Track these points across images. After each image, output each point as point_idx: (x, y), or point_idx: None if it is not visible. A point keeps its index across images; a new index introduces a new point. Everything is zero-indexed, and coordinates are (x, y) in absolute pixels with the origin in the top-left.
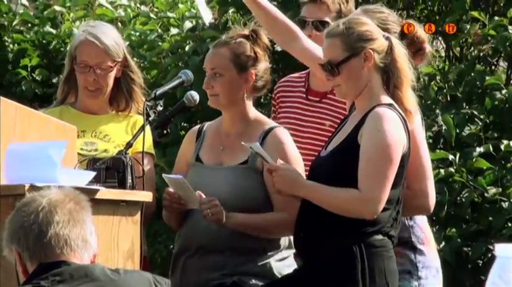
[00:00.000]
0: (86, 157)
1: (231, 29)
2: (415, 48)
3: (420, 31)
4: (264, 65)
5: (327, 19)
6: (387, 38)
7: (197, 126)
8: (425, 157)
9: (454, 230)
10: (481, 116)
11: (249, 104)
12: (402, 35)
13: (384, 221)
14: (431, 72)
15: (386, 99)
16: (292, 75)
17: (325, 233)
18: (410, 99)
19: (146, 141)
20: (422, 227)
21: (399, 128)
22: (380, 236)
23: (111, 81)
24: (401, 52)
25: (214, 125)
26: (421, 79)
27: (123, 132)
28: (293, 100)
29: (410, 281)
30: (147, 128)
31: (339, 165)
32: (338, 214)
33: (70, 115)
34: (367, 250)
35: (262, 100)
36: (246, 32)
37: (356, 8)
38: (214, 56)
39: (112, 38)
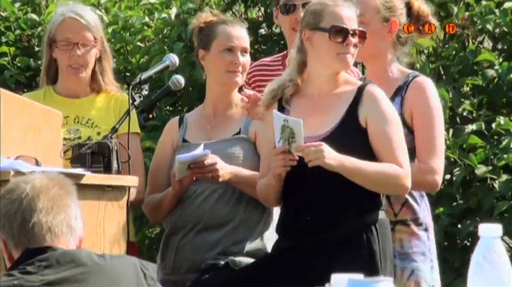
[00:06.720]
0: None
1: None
2: (420, 23)
3: (424, 6)
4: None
5: None
6: None
7: (177, 117)
8: (439, 134)
9: (442, 209)
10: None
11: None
12: (408, 12)
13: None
14: (427, 45)
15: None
16: (264, 59)
17: (340, 215)
18: None
19: (131, 121)
20: (428, 211)
21: None
22: (385, 215)
23: (93, 60)
24: None
25: (196, 112)
26: (413, 53)
27: (105, 114)
28: None
29: (425, 263)
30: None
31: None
32: (352, 195)
33: (53, 100)
34: (380, 230)
35: None
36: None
37: None
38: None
39: (92, 16)
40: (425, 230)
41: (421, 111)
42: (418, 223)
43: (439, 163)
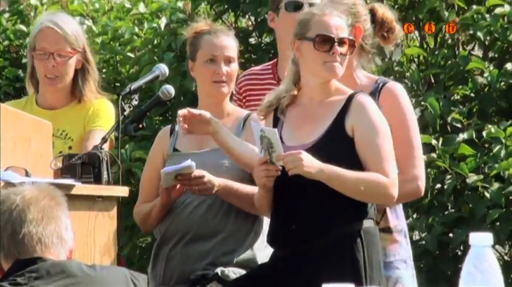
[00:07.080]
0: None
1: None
2: (385, 29)
3: (388, 12)
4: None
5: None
6: None
7: (168, 126)
8: (416, 138)
9: (434, 217)
10: (464, 102)
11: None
12: (372, 19)
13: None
14: (417, 54)
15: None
16: (254, 68)
17: (325, 223)
18: None
19: (106, 120)
20: (403, 218)
21: None
22: (373, 224)
23: (71, 71)
24: None
25: None
26: (404, 62)
27: (79, 125)
28: (263, 92)
29: (407, 271)
30: (110, 107)
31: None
32: (337, 204)
33: (31, 111)
34: (366, 239)
35: None
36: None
37: None
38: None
39: (72, 26)
40: (405, 236)
41: (396, 118)
42: (398, 230)
43: (419, 169)
